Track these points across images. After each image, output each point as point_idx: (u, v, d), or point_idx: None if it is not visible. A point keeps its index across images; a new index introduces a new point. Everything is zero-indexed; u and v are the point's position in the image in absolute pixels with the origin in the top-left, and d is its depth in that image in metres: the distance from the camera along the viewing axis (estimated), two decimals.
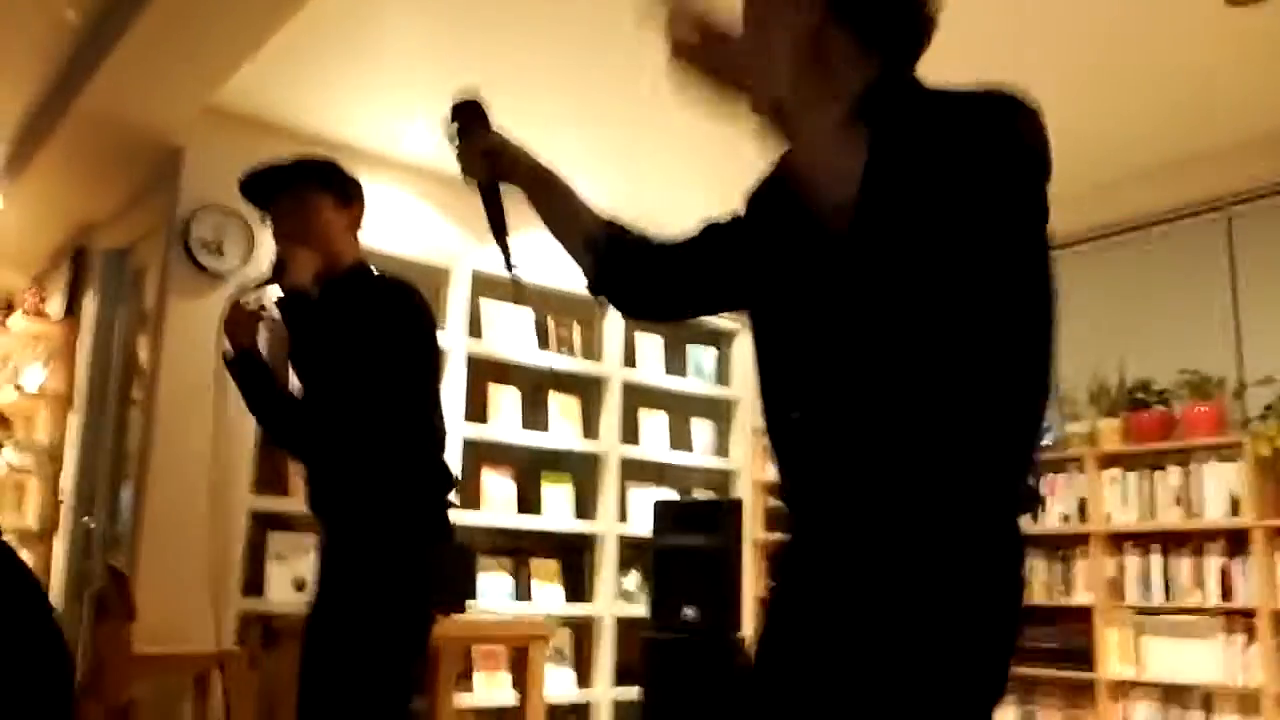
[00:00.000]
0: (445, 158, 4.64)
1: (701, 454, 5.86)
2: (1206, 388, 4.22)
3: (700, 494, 5.71)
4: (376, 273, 2.52)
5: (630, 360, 5.57)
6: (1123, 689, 4.27)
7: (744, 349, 6.08)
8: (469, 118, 1.85)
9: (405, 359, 2.38)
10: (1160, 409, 4.35)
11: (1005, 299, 1.19)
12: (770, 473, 5.89)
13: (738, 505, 5.12)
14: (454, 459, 4.78)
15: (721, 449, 5.98)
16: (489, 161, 1.82)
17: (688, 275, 1.58)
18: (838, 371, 1.25)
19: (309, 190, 2.46)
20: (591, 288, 1.68)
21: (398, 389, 2.37)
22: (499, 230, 1.84)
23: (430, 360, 2.48)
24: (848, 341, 1.24)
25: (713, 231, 1.57)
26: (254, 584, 4.25)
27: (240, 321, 2.56)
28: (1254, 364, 4.23)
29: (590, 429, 5.37)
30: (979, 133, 1.16)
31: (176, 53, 3.65)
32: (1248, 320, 4.31)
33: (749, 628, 5.56)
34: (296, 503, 4.36)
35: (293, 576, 4.31)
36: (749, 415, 6.01)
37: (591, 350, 5.44)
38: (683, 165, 4.87)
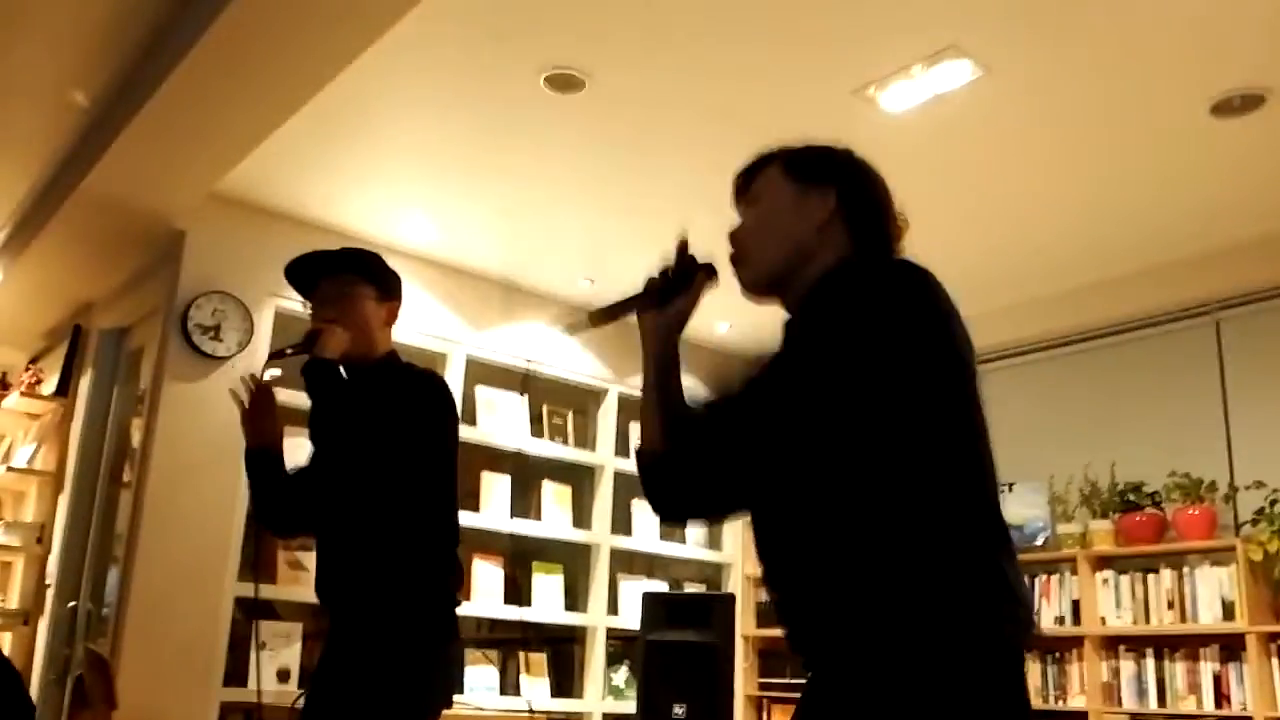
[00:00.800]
0: (444, 245, 4.71)
1: (693, 546, 5.82)
2: (1197, 490, 4.23)
3: (691, 587, 5.66)
4: (405, 363, 2.55)
5: (623, 449, 5.57)
6: None
7: None
8: (693, 277, 1.70)
9: (428, 450, 2.41)
10: (1152, 511, 4.35)
11: (893, 452, 1.34)
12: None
13: (730, 599, 5.07)
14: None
15: (714, 542, 5.94)
16: (667, 323, 1.68)
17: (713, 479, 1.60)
18: (772, 549, 1.46)
19: (353, 281, 2.51)
20: (648, 481, 1.64)
21: (418, 480, 2.38)
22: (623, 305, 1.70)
23: (452, 454, 2.48)
24: (771, 524, 1.45)
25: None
26: (238, 673, 4.18)
27: (261, 406, 2.61)
28: (1244, 468, 4.24)
29: (582, 518, 5.34)
30: (816, 321, 1.42)
31: (184, 139, 3.71)
32: (1238, 423, 4.33)
33: None
34: (284, 590, 4.32)
35: (278, 666, 4.24)
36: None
37: (584, 438, 5.45)
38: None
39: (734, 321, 5.18)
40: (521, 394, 5.17)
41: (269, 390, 2.62)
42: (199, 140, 3.73)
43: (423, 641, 2.34)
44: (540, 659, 5.05)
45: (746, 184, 1.67)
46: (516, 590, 5.07)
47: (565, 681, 5.14)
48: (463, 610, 4.75)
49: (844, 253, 1.54)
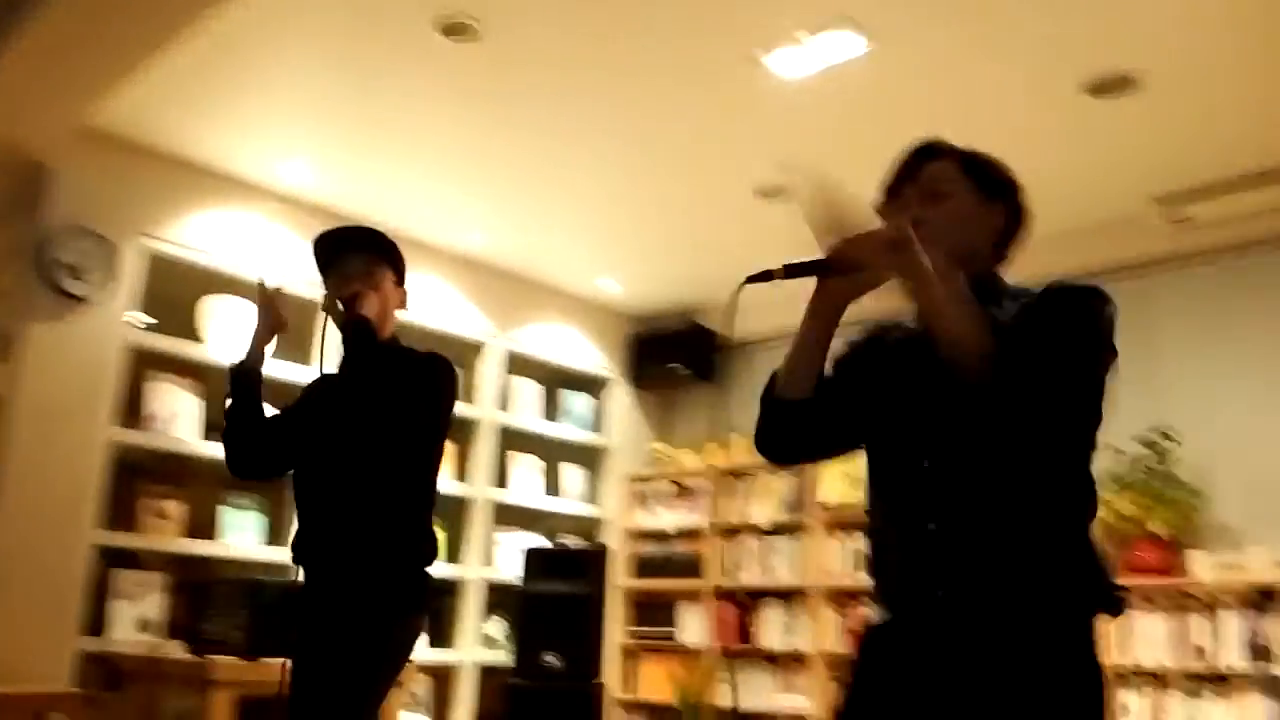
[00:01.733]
0: (328, 194, 4.61)
1: (572, 500, 5.87)
2: None
3: (569, 540, 5.71)
4: (407, 347, 2.65)
5: (504, 404, 5.57)
6: None
7: (618, 397, 6.15)
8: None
9: (425, 430, 2.57)
10: None
11: (1082, 449, 1.65)
12: (639, 519, 5.94)
13: (605, 552, 5.15)
14: None
15: (592, 496, 6.01)
16: (843, 292, 1.69)
17: (823, 428, 1.80)
18: (973, 493, 1.60)
19: (379, 261, 2.61)
20: (761, 426, 1.80)
21: (412, 456, 2.55)
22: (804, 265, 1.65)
23: (444, 434, 2.64)
24: (979, 468, 1.61)
25: (830, 388, 1.78)
26: (96, 623, 4.06)
27: (270, 318, 2.67)
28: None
29: (461, 472, 5.33)
30: (1078, 320, 1.65)
31: (46, 71, 3.54)
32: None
33: (609, 675, 5.57)
34: (145, 539, 4.21)
35: (137, 616, 4.14)
36: (620, 463, 6.06)
37: (466, 392, 5.42)
38: (563, 213, 4.93)
39: (487, 232, 5.15)
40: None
41: (275, 303, 2.67)
42: (62, 72, 3.56)
43: (397, 608, 2.46)
44: None
45: (917, 169, 1.78)
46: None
47: (440, 632, 5.14)
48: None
49: (989, 260, 1.78)
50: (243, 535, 4.51)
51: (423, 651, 4.94)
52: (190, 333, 4.49)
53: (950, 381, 1.56)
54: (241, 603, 3.60)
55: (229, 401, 2.68)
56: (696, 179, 4.53)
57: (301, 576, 2.54)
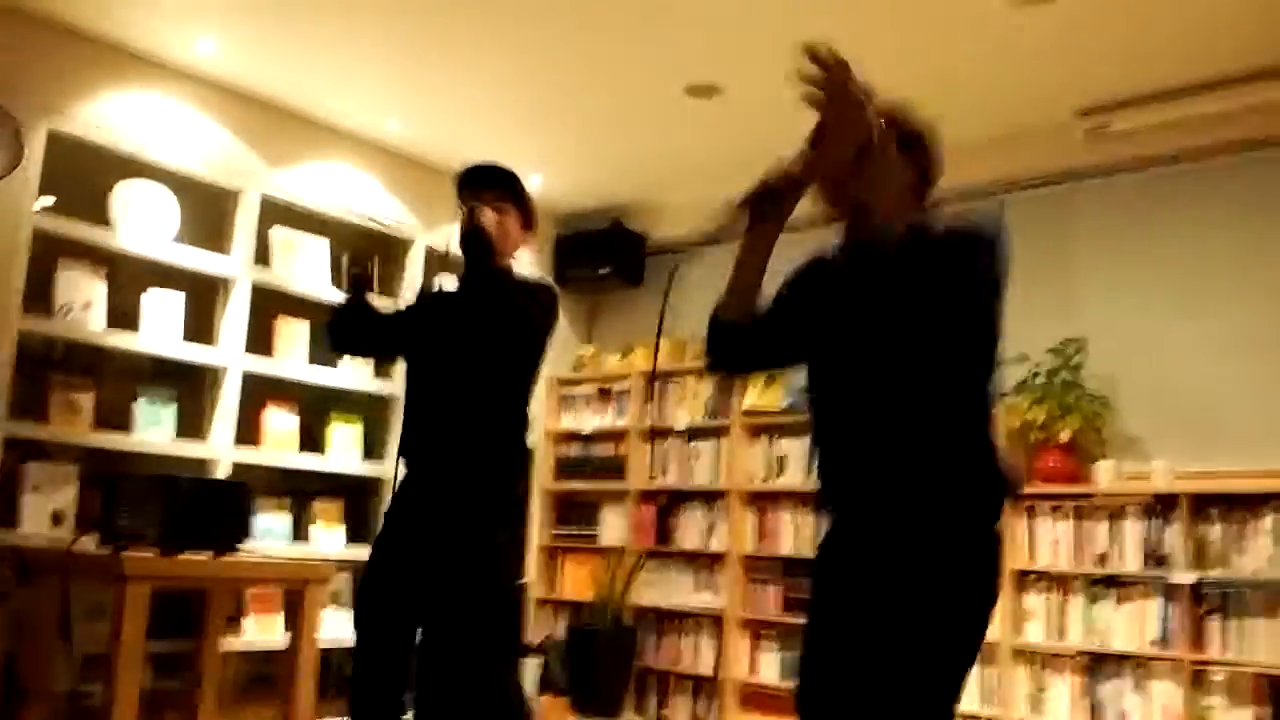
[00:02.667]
0: (238, 73, 4.46)
1: None
2: None
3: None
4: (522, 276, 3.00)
5: None
6: None
7: None
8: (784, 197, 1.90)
9: (531, 347, 2.88)
10: None
11: (975, 371, 1.90)
12: (565, 422, 5.96)
13: (530, 454, 5.15)
14: (234, 395, 4.60)
15: None
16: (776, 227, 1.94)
17: (770, 347, 2.05)
18: (875, 411, 1.86)
19: (510, 200, 2.92)
20: (713, 346, 2.03)
21: (516, 370, 2.87)
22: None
23: (544, 354, 2.95)
24: (882, 389, 1.85)
25: (777, 310, 2.03)
26: (7, 515, 3.97)
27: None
28: (1012, 342, 4.54)
29: (384, 368, 5.26)
30: (951, 267, 1.84)
31: None
32: (1010, 300, 4.63)
33: (532, 574, 5.64)
34: (57, 431, 4.10)
35: (49, 509, 4.05)
36: (548, 366, 6.03)
37: (390, 287, 5.32)
38: (487, 107, 4.81)
39: (405, 120, 5.02)
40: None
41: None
42: None
43: (500, 516, 2.83)
44: (335, 508, 5.02)
45: (844, 117, 1.83)
46: (312, 439, 4.98)
47: (361, 530, 5.13)
48: (254, 457, 4.68)
49: (910, 198, 1.94)
50: (157, 429, 4.41)
51: (343, 549, 4.94)
52: (102, 218, 4.32)
53: (860, 320, 1.87)
54: (156, 497, 3.54)
55: (344, 297, 3.11)
56: (625, 77, 4.43)
57: (403, 470, 2.90)
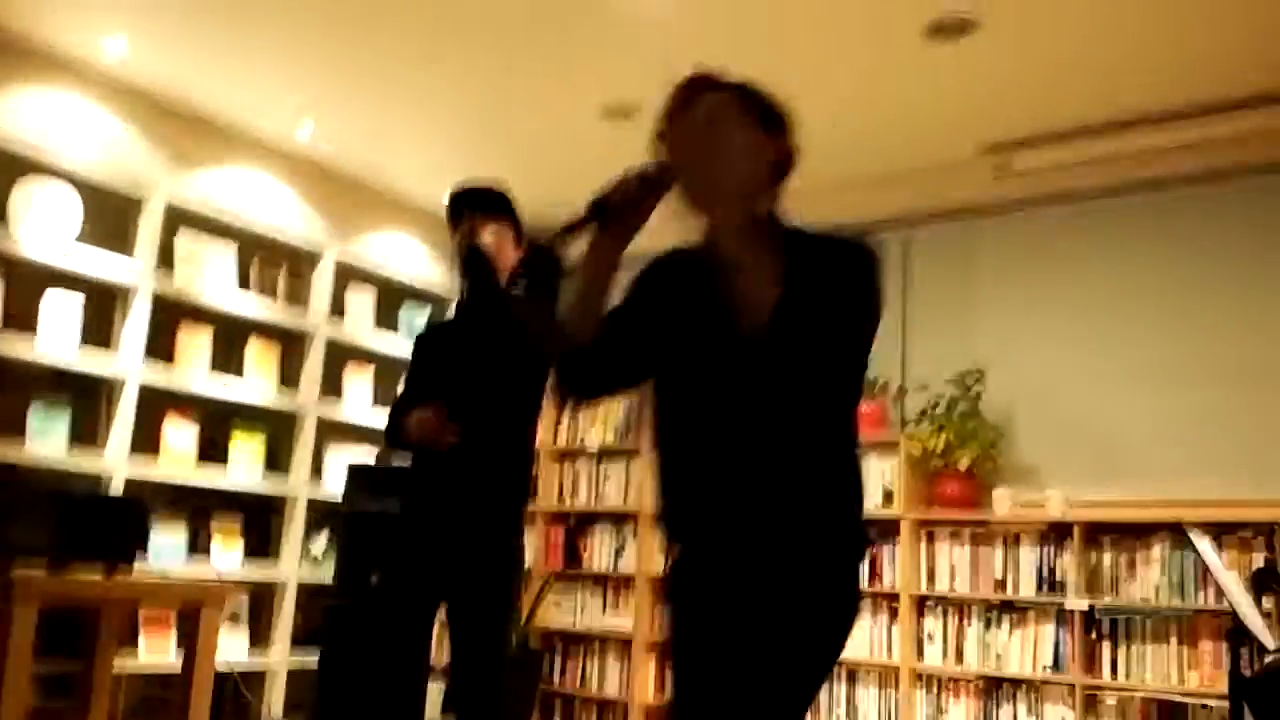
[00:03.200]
0: (147, 74, 4.35)
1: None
2: (873, 389, 4.64)
3: (400, 459, 5.62)
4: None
5: (337, 313, 5.40)
6: None
7: None
8: (641, 202, 1.74)
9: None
10: None
11: (856, 388, 1.82)
12: None
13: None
14: (131, 405, 4.45)
15: None
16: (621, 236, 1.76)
17: (622, 362, 1.86)
18: (762, 432, 1.71)
19: (509, 223, 3.03)
20: (561, 372, 1.87)
21: (534, 383, 3.00)
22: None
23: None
24: (762, 410, 1.70)
25: (625, 319, 1.84)
26: None
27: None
28: (914, 371, 4.70)
29: (289, 382, 5.16)
30: (864, 279, 1.78)
31: None
32: (913, 332, 4.77)
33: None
34: None
35: None
36: None
37: (297, 297, 5.22)
38: (404, 119, 4.77)
39: (320, 129, 4.95)
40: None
41: None
42: None
43: (514, 528, 3.02)
44: (234, 524, 4.89)
45: (693, 100, 1.80)
46: (213, 453, 4.85)
47: (261, 548, 5.01)
48: (151, 471, 4.53)
49: (769, 192, 1.81)
50: (51, 439, 4.25)
51: (242, 567, 4.81)
52: None
53: (735, 324, 1.72)
54: (47, 510, 3.41)
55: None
56: (543, 94, 4.44)
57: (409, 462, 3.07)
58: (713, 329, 1.75)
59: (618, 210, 1.70)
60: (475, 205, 3.03)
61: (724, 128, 1.76)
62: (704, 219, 1.80)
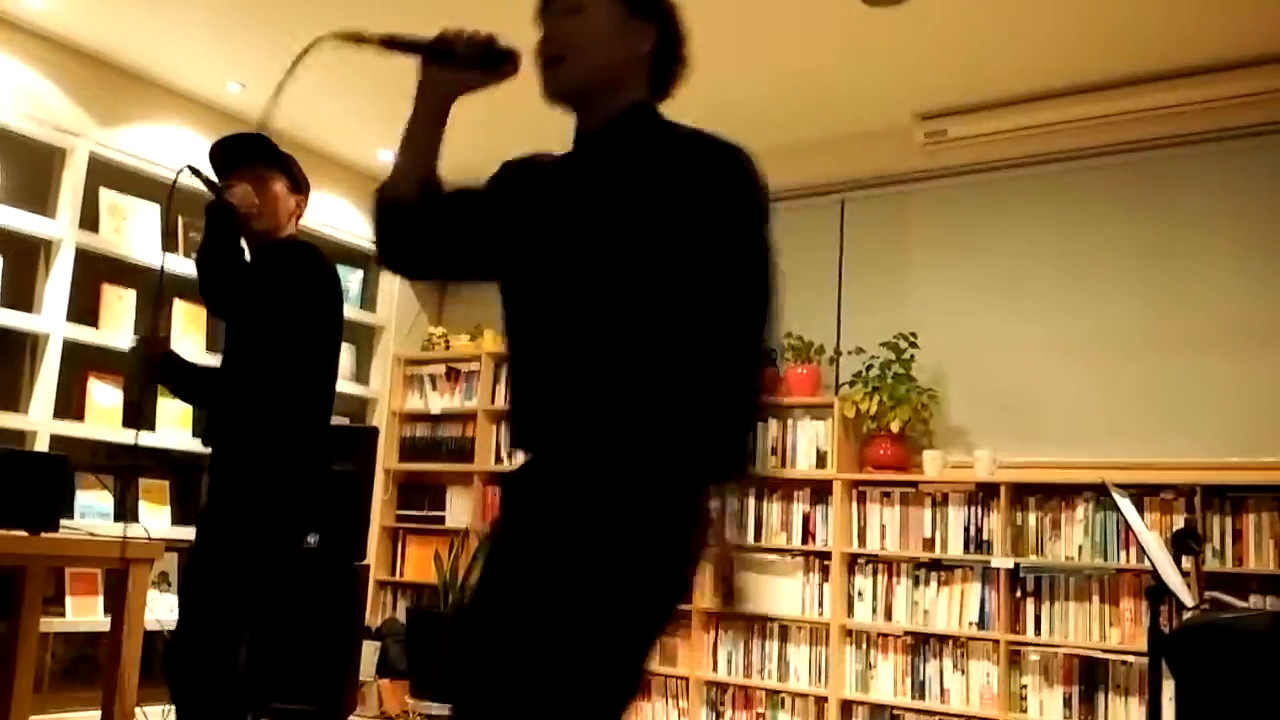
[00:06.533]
0: (74, 25, 4.23)
1: (341, 380, 5.69)
2: (808, 352, 4.68)
3: (336, 420, 5.56)
4: (303, 243, 2.97)
5: None
6: (712, 619, 4.69)
7: (392, 275, 5.97)
8: (497, 62, 1.67)
9: (310, 318, 2.89)
10: (770, 368, 4.77)
11: (717, 300, 1.54)
12: (412, 403, 5.86)
13: (373, 433, 5.06)
14: (54, 364, 4.35)
15: (362, 376, 5.86)
16: (454, 83, 1.69)
17: (452, 237, 1.72)
18: (583, 344, 1.53)
19: (269, 167, 2.93)
20: (379, 230, 1.73)
21: (297, 345, 2.87)
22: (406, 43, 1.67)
23: (330, 324, 2.97)
24: (590, 310, 1.53)
25: (463, 201, 1.72)
26: None
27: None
28: (849, 336, 4.74)
29: (217, 343, 5.05)
30: (728, 175, 1.58)
31: None
32: (848, 296, 4.81)
33: (373, 555, 5.53)
34: None
35: None
36: (392, 343, 5.93)
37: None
38: (335, 78, 4.68)
39: (247, 84, 4.84)
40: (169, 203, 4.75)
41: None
42: None
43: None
44: (162, 486, 4.81)
45: None
46: (138, 414, 4.76)
47: (191, 510, 4.94)
48: (76, 431, 4.43)
49: (643, 89, 1.68)
50: None
51: (170, 529, 4.74)
52: None
53: (559, 221, 1.60)
54: None
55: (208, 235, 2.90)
56: None
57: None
58: (540, 226, 1.63)
59: (456, 56, 1.63)
60: (229, 161, 2.95)
61: (581, 16, 1.64)
62: (562, 109, 1.69)
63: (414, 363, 5.95)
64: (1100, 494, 3.97)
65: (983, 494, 4.23)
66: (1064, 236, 4.44)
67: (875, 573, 4.41)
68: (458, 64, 1.64)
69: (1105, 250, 4.34)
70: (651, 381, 1.52)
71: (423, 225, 1.68)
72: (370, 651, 5.22)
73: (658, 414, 1.51)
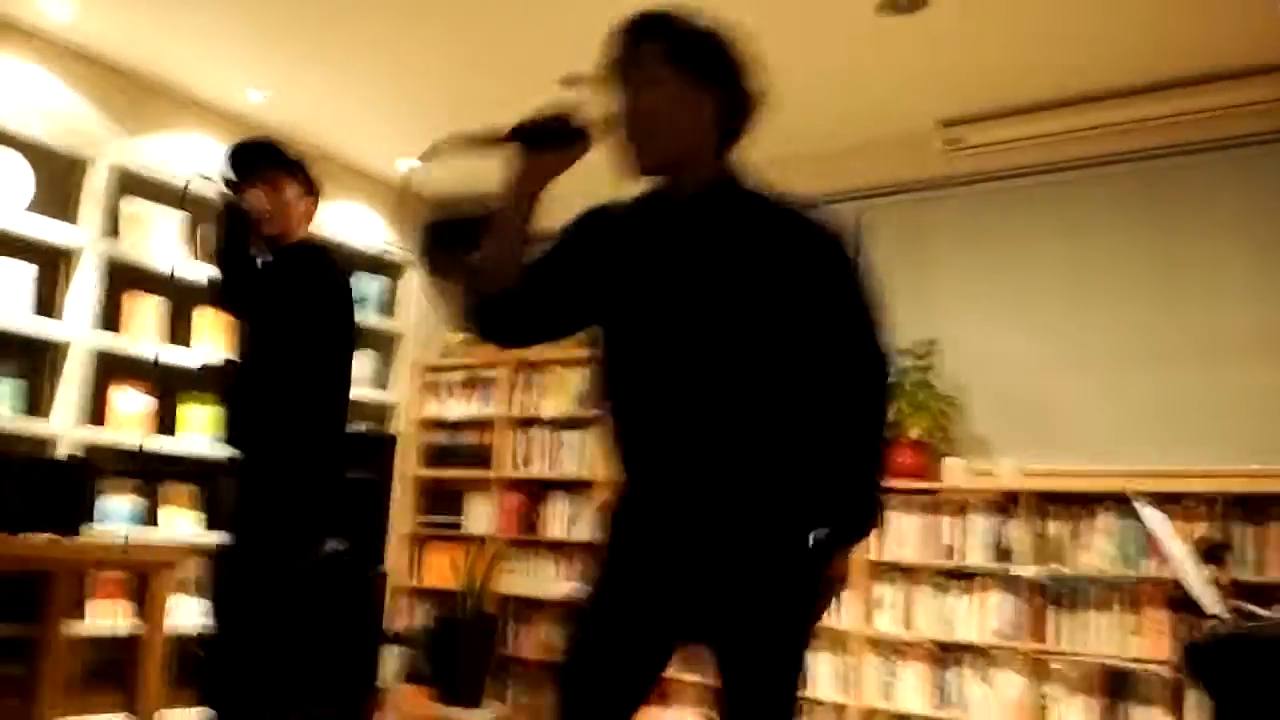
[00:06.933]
0: (97, 35, 4.25)
1: (362, 386, 5.72)
2: None
3: (356, 426, 5.59)
4: (318, 245, 3.06)
5: None
6: None
7: (412, 282, 6.00)
8: (574, 140, 1.67)
9: (322, 320, 2.95)
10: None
11: (813, 373, 1.72)
12: (432, 410, 5.88)
13: (393, 440, 5.08)
14: (79, 372, 4.38)
15: (382, 382, 5.88)
16: (541, 171, 1.69)
17: (546, 313, 1.79)
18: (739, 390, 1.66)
19: (281, 173, 2.98)
20: (482, 321, 1.79)
21: (311, 347, 2.93)
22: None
23: (342, 327, 3.01)
24: (703, 375, 1.66)
25: (554, 267, 1.77)
26: None
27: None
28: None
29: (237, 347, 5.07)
30: (846, 257, 1.78)
31: None
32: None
33: (392, 561, 5.55)
34: None
35: None
36: (412, 349, 5.95)
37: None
38: (358, 85, 4.70)
39: (269, 94, 4.85)
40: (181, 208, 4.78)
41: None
42: None
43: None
44: (187, 491, 4.83)
45: (629, 50, 1.71)
46: (164, 420, 4.79)
47: (215, 515, 4.96)
48: (102, 438, 4.47)
49: (717, 148, 1.73)
50: None
51: (196, 533, 4.76)
52: None
53: (682, 284, 1.68)
54: None
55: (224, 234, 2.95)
56: (496, 61, 4.38)
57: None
58: (661, 286, 1.70)
59: (542, 138, 1.64)
60: (244, 166, 2.98)
61: (653, 88, 1.68)
62: (643, 176, 1.74)
63: (434, 369, 5.97)
64: (1124, 502, 3.93)
65: (1006, 502, 4.20)
66: (1081, 243, 4.40)
67: (897, 581, 4.39)
68: (555, 144, 1.65)
69: (1121, 257, 4.31)
70: (805, 445, 1.71)
71: (518, 303, 1.74)
72: (392, 657, 5.24)
73: (819, 478, 1.72)
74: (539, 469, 5.49)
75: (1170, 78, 4.09)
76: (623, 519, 1.76)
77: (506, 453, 5.58)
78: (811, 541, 1.72)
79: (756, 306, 1.66)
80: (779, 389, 1.68)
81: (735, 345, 1.66)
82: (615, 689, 1.68)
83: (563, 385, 5.51)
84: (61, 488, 3.53)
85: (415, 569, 5.76)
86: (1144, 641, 3.86)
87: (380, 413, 5.84)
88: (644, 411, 1.72)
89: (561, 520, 5.36)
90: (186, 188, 3.00)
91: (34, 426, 4.27)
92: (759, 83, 1.76)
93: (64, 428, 4.33)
